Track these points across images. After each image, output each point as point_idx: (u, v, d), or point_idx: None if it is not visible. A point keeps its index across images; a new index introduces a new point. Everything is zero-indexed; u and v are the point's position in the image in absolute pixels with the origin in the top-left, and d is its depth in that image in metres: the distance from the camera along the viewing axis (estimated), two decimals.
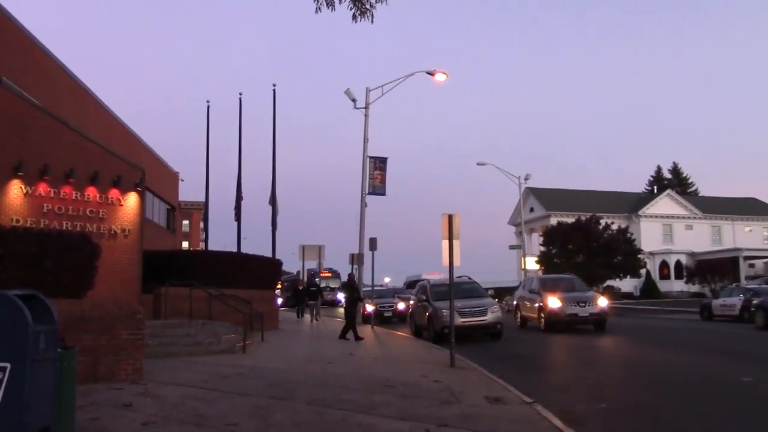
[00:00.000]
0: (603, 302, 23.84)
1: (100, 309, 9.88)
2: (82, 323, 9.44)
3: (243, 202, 29.16)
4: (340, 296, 40.11)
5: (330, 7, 8.67)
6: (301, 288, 35.08)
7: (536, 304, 24.15)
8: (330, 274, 54.40)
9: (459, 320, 17.93)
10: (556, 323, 22.97)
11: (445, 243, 14.22)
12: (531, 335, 22.41)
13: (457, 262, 14.29)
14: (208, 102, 30.88)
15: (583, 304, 23.07)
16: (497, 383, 11.32)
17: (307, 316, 32.66)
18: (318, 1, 8.51)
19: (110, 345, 9.80)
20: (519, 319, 26.85)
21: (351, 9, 8.62)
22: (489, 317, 20.31)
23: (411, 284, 41.51)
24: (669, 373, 12.95)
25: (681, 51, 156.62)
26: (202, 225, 57.46)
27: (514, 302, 28.81)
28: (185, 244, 59.42)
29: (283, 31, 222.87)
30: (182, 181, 37.22)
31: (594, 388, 11.39)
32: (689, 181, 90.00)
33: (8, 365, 4.98)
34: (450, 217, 14.25)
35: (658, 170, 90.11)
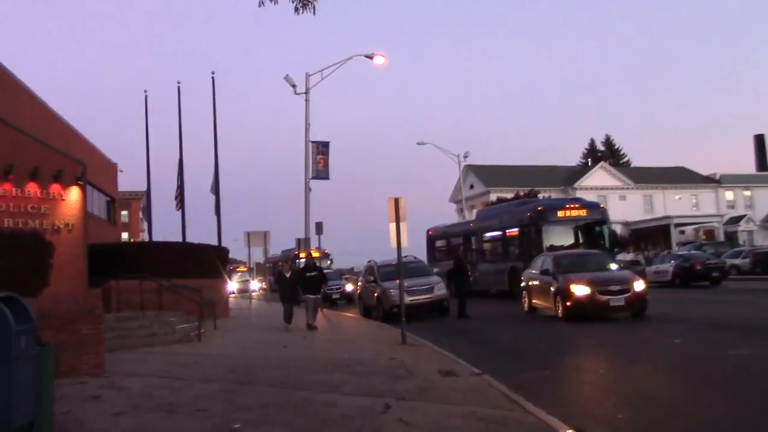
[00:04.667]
0: None
1: (59, 305, 10.00)
2: (42, 320, 9.52)
3: (185, 191, 28.88)
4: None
5: (273, 2, 8.96)
6: (289, 275, 20.19)
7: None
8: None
9: (407, 299, 18.27)
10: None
11: (392, 225, 14.66)
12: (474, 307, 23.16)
13: (404, 243, 14.77)
14: (145, 92, 30.42)
15: None
16: (448, 357, 11.88)
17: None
18: None
19: (70, 340, 9.92)
20: None
21: (293, 1, 8.90)
22: (436, 294, 20.90)
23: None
24: (601, 339, 13.82)
25: (611, 26, 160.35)
26: (141, 215, 56.39)
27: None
28: (125, 235, 58.31)
29: (222, 19, 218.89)
30: (121, 172, 36.62)
31: (529, 353, 12.10)
32: (621, 152, 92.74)
33: None
34: (396, 200, 14.68)
35: (592, 143, 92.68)
